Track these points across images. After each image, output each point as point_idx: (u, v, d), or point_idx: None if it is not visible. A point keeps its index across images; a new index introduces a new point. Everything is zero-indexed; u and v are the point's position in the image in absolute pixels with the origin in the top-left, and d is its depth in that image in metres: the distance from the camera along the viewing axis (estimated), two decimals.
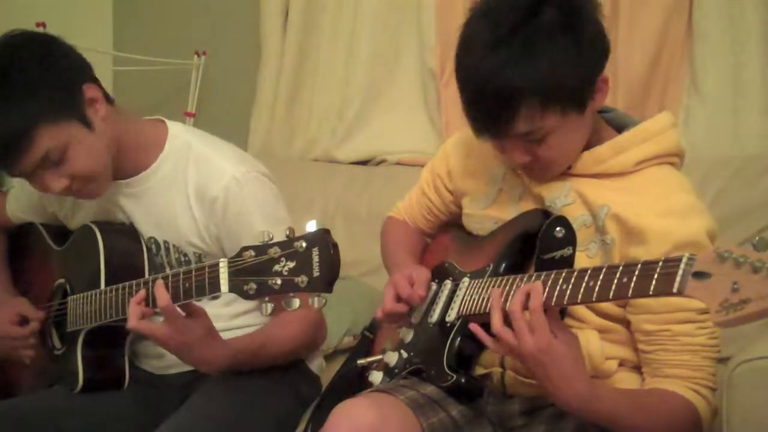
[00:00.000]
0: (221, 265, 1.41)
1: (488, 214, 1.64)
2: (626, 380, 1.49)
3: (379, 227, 1.93)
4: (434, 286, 1.63)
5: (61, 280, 1.92)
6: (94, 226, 1.80)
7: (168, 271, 1.79)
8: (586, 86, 1.45)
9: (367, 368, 1.70)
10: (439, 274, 1.65)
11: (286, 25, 2.91)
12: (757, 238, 1.03)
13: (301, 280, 1.32)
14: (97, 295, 1.71)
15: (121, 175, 1.77)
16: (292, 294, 1.34)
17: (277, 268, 1.34)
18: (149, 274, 1.78)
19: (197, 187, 1.74)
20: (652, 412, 1.39)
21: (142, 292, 1.55)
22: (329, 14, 2.85)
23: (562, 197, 1.53)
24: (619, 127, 1.57)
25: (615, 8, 2.43)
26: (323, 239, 1.31)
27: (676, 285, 1.12)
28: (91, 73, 1.73)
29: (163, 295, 1.50)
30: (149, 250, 1.81)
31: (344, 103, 2.85)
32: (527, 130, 1.43)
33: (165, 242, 1.79)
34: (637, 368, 1.50)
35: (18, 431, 1.72)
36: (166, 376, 1.85)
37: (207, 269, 1.44)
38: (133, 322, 1.53)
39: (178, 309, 1.52)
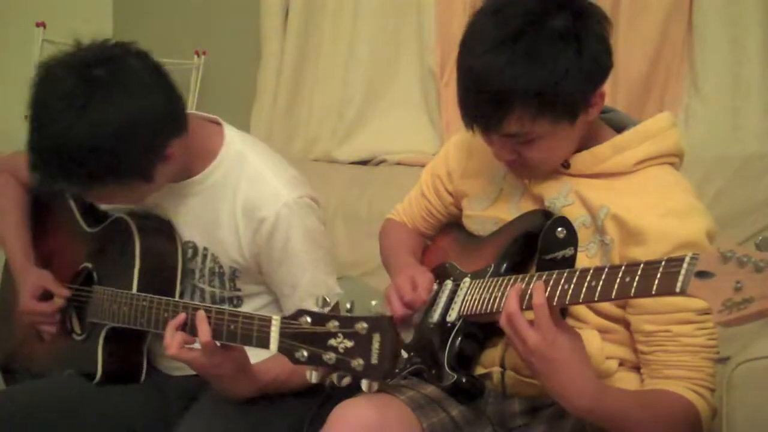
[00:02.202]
0: (273, 322, 1.40)
1: (489, 214, 1.64)
2: (626, 380, 1.49)
3: (379, 227, 1.94)
4: (435, 287, 1.63)
5: (88, 265, 1.89)
6: (132, 224, 1.77)
7: (197, 277, 1.78)
8: (582, 99, 1.45)
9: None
10: (440, 274, 1.65)
11: (286, 25, 2.91)
12: (760, 238, 1.03)
13: (358, 363, 1.31)
14: (128, 298, 1.69)
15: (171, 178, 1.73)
16: (342, 373, 1.33)
17: (332, 342, 1.33)
18: (180, 279, 1.76)
19: (247, 203, 1.70)
20: (654, 413, 1.38)
21: (182, 317, 1.54)
22: (329, 14, 2.85)
23: (562, 198, 1.53)
24: (619, 128, 1.56)
25: (615, 8, 2.43)
26: (388, 328, 1.31)
27: (678, 284, 1.12)
28: (181, 119, 1.66)
29: (205, 331, 1.50)
30: (184, 253, 1.78)
31: (344, 103, 2.85)
32: (516, 132, 1.44)
33: (204, 249, 1.76)
34: (637, 368, 1.50)
35: (35, 418, 1.72)
36: (172, 377, 1.85)
37: (257, 321, 1.44)
38: (173, 351, 1.53)
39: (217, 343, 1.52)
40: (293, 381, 1.68)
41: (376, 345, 1.30)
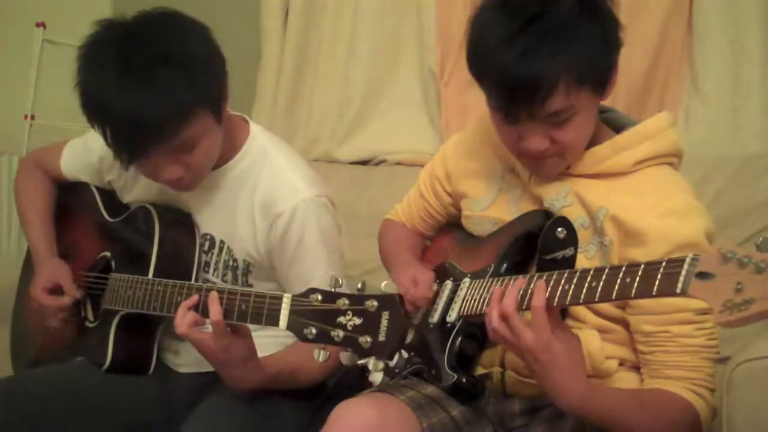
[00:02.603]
0: (284, 300, 1.41)
1: (488, 215, 1.64)
2: (626, 380, 1.49)
3: (378, 227, 1.93)
4: (435, 287, 1.63)
5: (107, 253, 1.91)
6: (154, 213, 1.79)
7: (211, 270, 1.79)
8: (613, 64, 1.47)
9: (367, 368, 1.70)
10: (440, 274, 1.65)
11: (286, 25, 2.91)
12: (760, 238, 1.03)
13: (365, 340, 1.32)
14: (143, 284, 1.71)
15: None
16: (350, 350, 1.34)
17: (341, 320, 1.34)
18: (195, 271, 1.77)
19: (265, 198, 1.72)
20: (652, 413, 1.39)
21: (195, 298, 1.56)
22: (329, 14, 2.85)
23: (561, 198, 1.53)
24: (618, 128, 1.57)
25: (615, 8, 2.43)
26: (397, 305, 1.33)
27: (679, 285, 1.12)
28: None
29: (216, 310, 1.51)
30: (201, 245, 1.79)
31: (344, 103, 2.84)
32: (561, 107, 1.42)
33: (221, 242, 1.78)
34: (637, 368, 1.50)
35: (43, 405, 1.73)
36: (177, 374, 1.85)
37: (268, 299, 1.44)
38: (184, 329, 1.54)
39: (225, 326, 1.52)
40: (299, 376, 1.69)
41: (384, 322, 1.32)
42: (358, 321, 1.33)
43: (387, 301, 1.33)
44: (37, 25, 2.83)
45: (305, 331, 1.37)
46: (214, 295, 1.52)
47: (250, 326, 1.67)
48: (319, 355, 1.38)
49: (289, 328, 1.40)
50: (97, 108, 1.61)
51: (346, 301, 1.35)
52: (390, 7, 2.79)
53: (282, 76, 2.92)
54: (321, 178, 1.82)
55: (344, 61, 2.84)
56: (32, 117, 2.95)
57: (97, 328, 1.85)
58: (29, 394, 1.75)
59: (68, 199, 2.04)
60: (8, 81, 3.07)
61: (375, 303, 1.32)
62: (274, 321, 1.42)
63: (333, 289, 1.37)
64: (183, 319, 1.54)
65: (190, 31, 1.66)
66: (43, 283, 1.89)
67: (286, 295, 1.42)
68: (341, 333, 1.34)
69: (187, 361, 1.80)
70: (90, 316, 1.91)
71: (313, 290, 1.39)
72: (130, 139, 1.59)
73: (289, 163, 1.77)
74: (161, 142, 1.59)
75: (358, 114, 2.83)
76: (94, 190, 1.97)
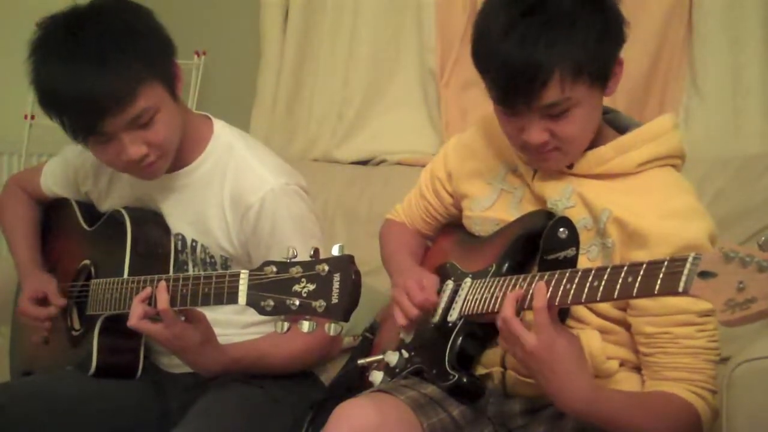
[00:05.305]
0: (242, 276, 1.41)
1: (489, 215, 1.64)
2: (627, 380, 1.49)
3: (378, 227, 1.93)
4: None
5: (87, 261, 1.92)
6: (125, 214, 1.80)
7: (190, 269, 1.80)
8: (612, 59, 1.48)
9: (367, 368, 1.70)
10: (441, 274, 1.65)
11: (286, 25, 2.91)
12: (763, 238, 1.03)
13: (319, 304, 1.31)
14: (119, 284, 1.71)
15: None
16: (308, 317, 1.33)
17: (296, 288, 1.33)
18: (173, 270, 1.78)
19: (234, 191, 1.73)
20: (654, 414, 1.39)
21: (147, 290, 1.56)
22: (329, 14, 2.86)
23: (564, 200, 1.53)
24: (621, 129, 1.57)
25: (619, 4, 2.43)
26: (347, 266, 1.31)
27: (681, 284, 1.12)
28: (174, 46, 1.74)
29: (163, 298, 1.51)
30: (174, 245, 1.80)
31: (344, 103, 2.85)
32: (557, 99, 1.43)
33: (193, 241, 1.78)
34: (638, 369, 1.50)
35: (33, 413, 1.72)
36: (173, 375, 1.85)
37: (228, 278, 1.44)
38: (133, 321, 1.55)
39: (175, 313, 1.52)
40: (267, 362, 1.71)
41: (336, 285, 1.30)
42: (312, 287, 1.32)
43: (338, 263, 1.31)
44: (37, 26, 2.82)
45: (263, 303, 1.37)
46: (162, 285, 1.53)
47: (237, 323, 1.72)
48: (282, 327, 1.36)
49: (248, 303, 1.39)
50: (52, 97, 1.64)
51: (300, 269, 1.33)
52: (390, 7, 2.79)
53: (282, 76, 2.93)
54: (291, 167, 1.82)
55: (344, 61, 2.84)
56: (32, 117, 2.95)
57: (82, 335, 1.85)
58: (17, 401, 1.74)
59: (51, 216, 2.08)
60: (8, 81, 3.07)
61: (326, 267, 1.31)
62: (234, 299, 1.42)
63: (288, 260, 1.36)
64: (135, 311, 1.55)
65: (135, 11, 1.69)
66: (30, 295, 1.92)
67: (243, 271, 1.42)
68: (297, 301, 1.33)
69: (178, 361, 1.80)
70: (76, 324, 1.91)
71: (268, 263, 1.38)
72: (87, 116, 1.61)
73: (255, 155, 1.77)
74: (117, 113, 1.59)
75: (358, 114, 2.83)
76: (74, 203, 2.00)
